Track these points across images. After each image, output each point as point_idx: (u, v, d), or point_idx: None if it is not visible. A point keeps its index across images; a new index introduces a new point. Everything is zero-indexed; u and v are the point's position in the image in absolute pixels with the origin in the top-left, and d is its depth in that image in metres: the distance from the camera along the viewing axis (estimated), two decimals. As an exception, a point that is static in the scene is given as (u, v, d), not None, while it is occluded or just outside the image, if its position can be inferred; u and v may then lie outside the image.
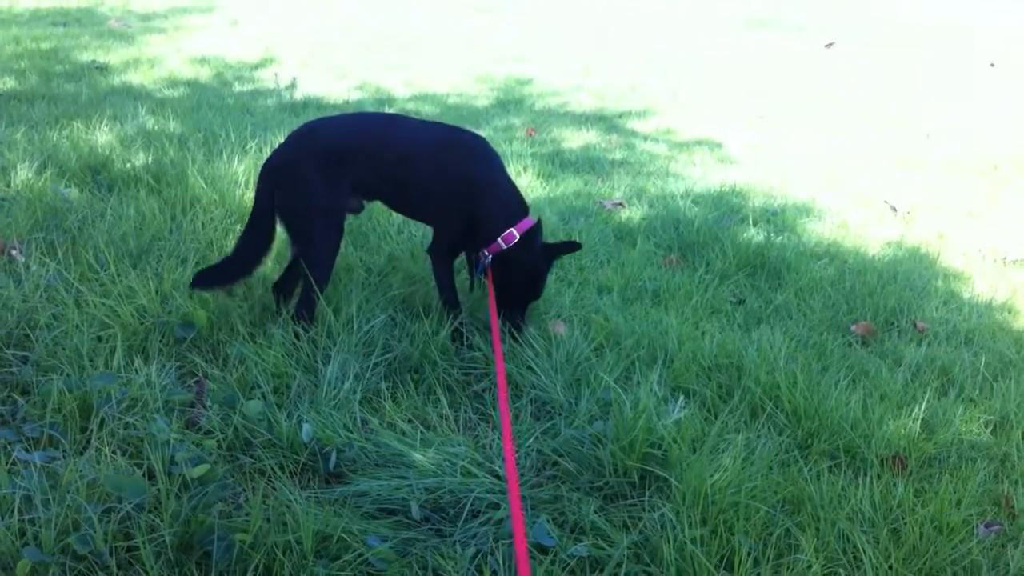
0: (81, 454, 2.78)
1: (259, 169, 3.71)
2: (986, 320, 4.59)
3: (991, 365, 4.02)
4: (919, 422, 3.39)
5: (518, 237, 3.65)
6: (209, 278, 3.67)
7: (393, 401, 3.30)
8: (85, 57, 9.42)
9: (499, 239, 3.65)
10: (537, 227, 3.73)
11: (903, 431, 3.34)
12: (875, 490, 2.96)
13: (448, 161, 3.66)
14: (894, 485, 3.01)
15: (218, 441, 2.95)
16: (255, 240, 3.67)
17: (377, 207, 4.68)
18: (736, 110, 9.65)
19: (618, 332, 3.84)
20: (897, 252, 5.52)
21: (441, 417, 3.25)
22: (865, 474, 3.08)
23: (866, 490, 2.95)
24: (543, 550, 2.61)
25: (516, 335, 3.72)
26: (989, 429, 3.53)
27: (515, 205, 3.75)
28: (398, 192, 3.80)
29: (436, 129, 3.87)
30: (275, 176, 3.58)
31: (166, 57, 9.79)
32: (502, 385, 2.94)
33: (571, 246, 3.82)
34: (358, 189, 3.69)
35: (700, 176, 6.87)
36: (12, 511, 2.43)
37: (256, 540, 2.47)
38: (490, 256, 3.69)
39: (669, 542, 2.60)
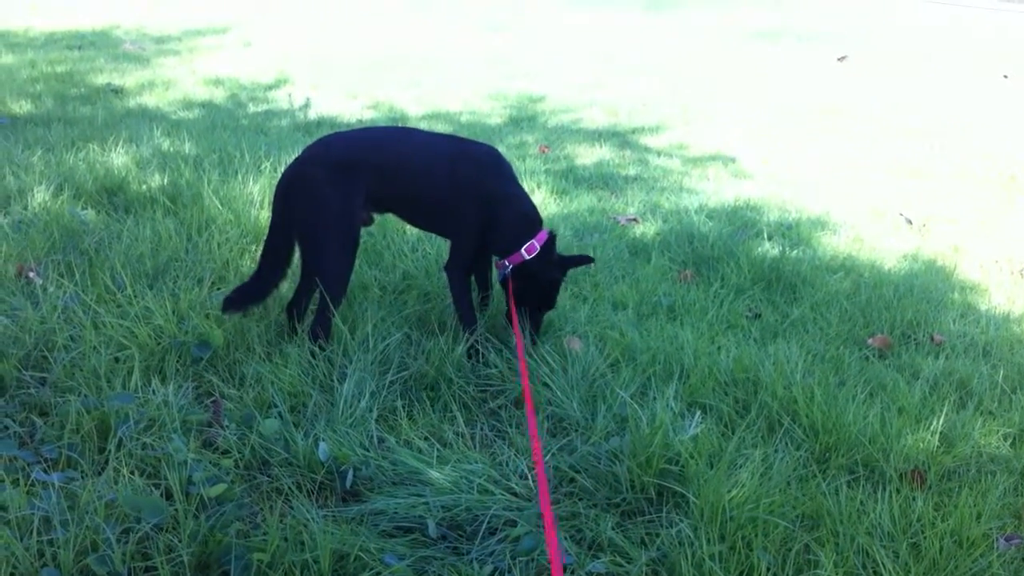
0: (99, 474, 2.79)
1: (274, 186, 3.72)
2: (1004, 332, 4.56)
3: (1009, 377, 3.99)
4: (937, 435, 3.37)
5: (539, 249, 3.69)
6: (238, 301, 3.68)
7: (409, 419, 3.30)
8: (100, 80, 9.49)
9: (522, 250, 3.68)
10: (553, 239, 3.79)
11: (921, 445, 3.32)
12: (894, 504, 2.94)
13: (463, 175, 3.67)
14: (913, 499, 3.00)
15: (235, 460, 2.96)
16: (276, 255, 3.68)
17: (392, 225, 4.70)
18: (749, 123, 9.64)
19: (633, 348, 3.84)
20: (913, 264, 5.50)
21: (457, 434, 3.25)
22: (884, 488, 3.06)
23: (885, 504, 2.94)
24: (561, 567, 2.60)
25: (531, 345, 3.75)
26: (1008, 442, 3.50)
27: (533, 217, 3.80)
28: (412, 205, 3.81)
29: (449, 142, 3.89)
30: (289, 191, 3.59)
31: (181, 79, 9.86)
32: (528, 395, 2.93)
33: (584, 259, 3.87)
34: (370, 202, 3.70)
35: (714, 190, 6.87)
36: (31, 532, 2.44)
37: (274, 559, 2.48)
38: (510, 267, 3.71)
39: (687, 558, 2.59)
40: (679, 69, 12.85)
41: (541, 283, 3.79)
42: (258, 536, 2.60)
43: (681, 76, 12.27)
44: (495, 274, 4.09)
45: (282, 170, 3.86)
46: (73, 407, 2.99)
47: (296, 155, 3.79)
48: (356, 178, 3.58)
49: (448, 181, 3.66)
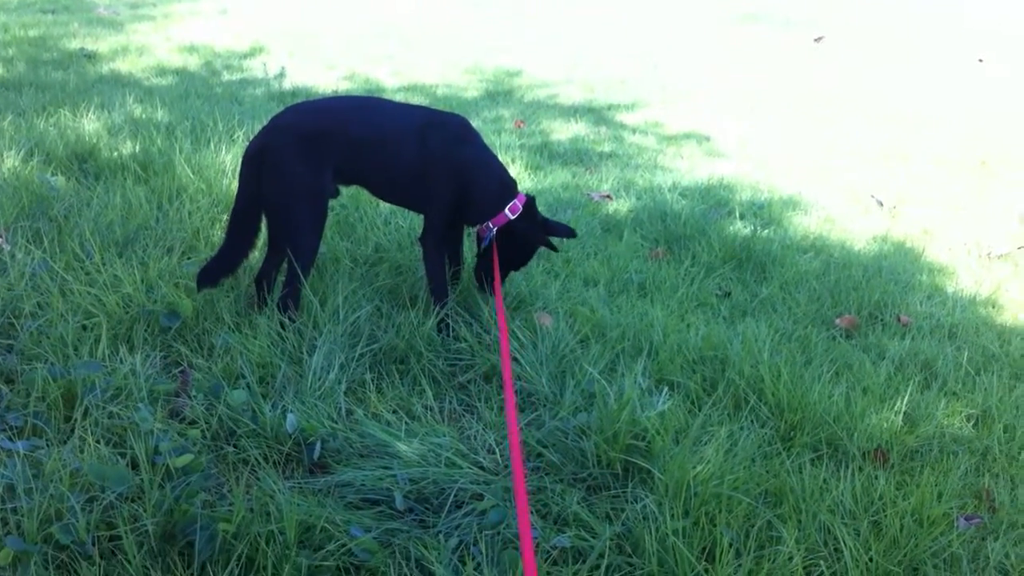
0: (65, 443, 2.78)
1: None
2: (970, 314, 4.61)
3: (974, 359, 4.05)
4: (901, 415, 3.41)
5: (521, 209, 3.72)
6: (212, 275, 3.66)
7: (378, 392, 3.31)
8: (73, 45, 9.38)
9: (506, 211, 3.71)
10: (533, 201, 3.82)
11: (885, 424, 3.36)
12: (857, 482, 2.98)
13: (434, 145, 3.65)
14: (876, 478, 3.03)
15: (202, 431, 2.95)
16: (244, 226, 3.66)
17: (365, 198, 4.68)
18: (724, 103, 9.65)
19: (604, 324, 3.85)
20: (882, 246, 5.54)
21: (426, 408, 3.26)
22: (847, 467, 3.10)
23: (848, 482, 2.97)
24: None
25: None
26: (971, 423, 3.55)
27: (508, 181, 3.83)
28: (382, 177, 3.78)
29: (419, 112, 3.87)
30: (257, 163, 3.56)
31: (154, 45, 9.76)
32: (506, 364, 2.93)
33: (566, 231, 3.88)
34: (339, 174, 3.68)
35: (688, 169, 6.88)
36: (-5, 500, 2.43)
37: (239, 530, 2.47)
38: (495, 229, 3.73)
39: (651, 533, 2.61)
40: (657, 48, 12.82)
41: (526, 244, 3.84)
42: (224, 507, 2.60)
43: (659, 55, 12.25)
44: (468, 249, 4.10)
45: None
46: (39, 375, 2.97)
47: (264, 124, 3.76)
48: (324, 149, 3.56)
49: (418, 151, 3.64)
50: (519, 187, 3.88)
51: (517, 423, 2.90)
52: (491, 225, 3.75)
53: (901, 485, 3.03)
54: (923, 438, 3.36)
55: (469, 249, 4.15)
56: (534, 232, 3.83)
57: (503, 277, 3.86)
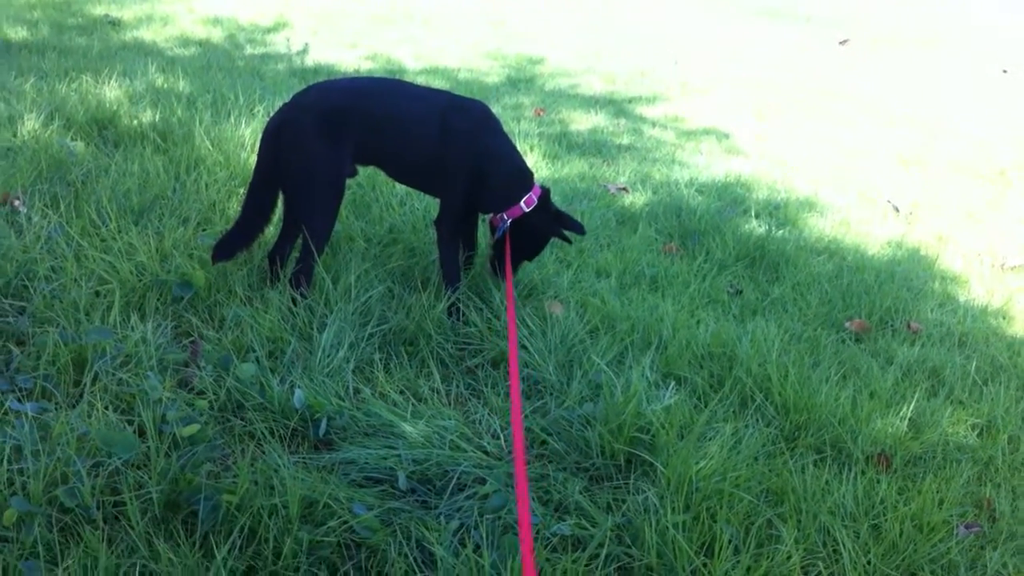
0: (73, 407, 2.80)
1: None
2: (980, 324, 4.60)
3: (982, 369, 4.04)
4: (906, 421, 3.41)
5: (536, 202, 3.72)
6: (227, 249, 3.66)
7: (386, 372, 3.32)
8: (98, 11, 9.40)
9: (521, 203, 3.71)
10: (547, 193, 3.82)
11: (890, 429, 3.36)
12: (858, 486, 2.98)
13: (454, 129, 3.64)
14: (878, 482, 3.04)
15: (210, 402, 2.96)
16: (261, 201, 3.67)
17: (381, 178, 4.69)
18: (745, 100, 9.62)
19: (614, 316, 3.86)
20: (897, 252, 5.53)
21: (433, 390, 3.27)
22: (850, 469, 3.10)
23: (849, 485, 2.98)
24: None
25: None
26: (976, 432, 3.55)
27: (526, 171, 3.82)
28: (401, 159, 3.78)
29: (441, 96, 3.86)
30: (277, 139, 3.56)
31: (179, 16, 9.77)
32: (513, 353, 2.94)
33: (577, 227, 3.86)
34: (357, 154, 3.68)
35: (705, 165, 6.87)
36: (2, 461, 2.44)
37: (242, 502, 2.49)
38: (509, 220, 3.73)
39: (651, 526, 2.62)
40: (680, 42, 12.79)
41: (539, 235, 3.85)
42: (228, 478, 2.62)
43: (682, 49, 12.21)
44: (481, 234, 4.10)
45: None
46: (51, 338, 2.99)
47: (286, 100, 3.76)
48: (344, 128, 3.56)
49: (438, 134, 3.63)
50: (535, 177, 3.87)
51: (521, 413, 2.89)
52: (505, 216, 3.75)
53: (903, 490, 3.04)
54: (927, 445, 3.36)
55: (484, 234, 4.15)
56: (547, 225, 3.83)
57: (515, 267, 3.86)
